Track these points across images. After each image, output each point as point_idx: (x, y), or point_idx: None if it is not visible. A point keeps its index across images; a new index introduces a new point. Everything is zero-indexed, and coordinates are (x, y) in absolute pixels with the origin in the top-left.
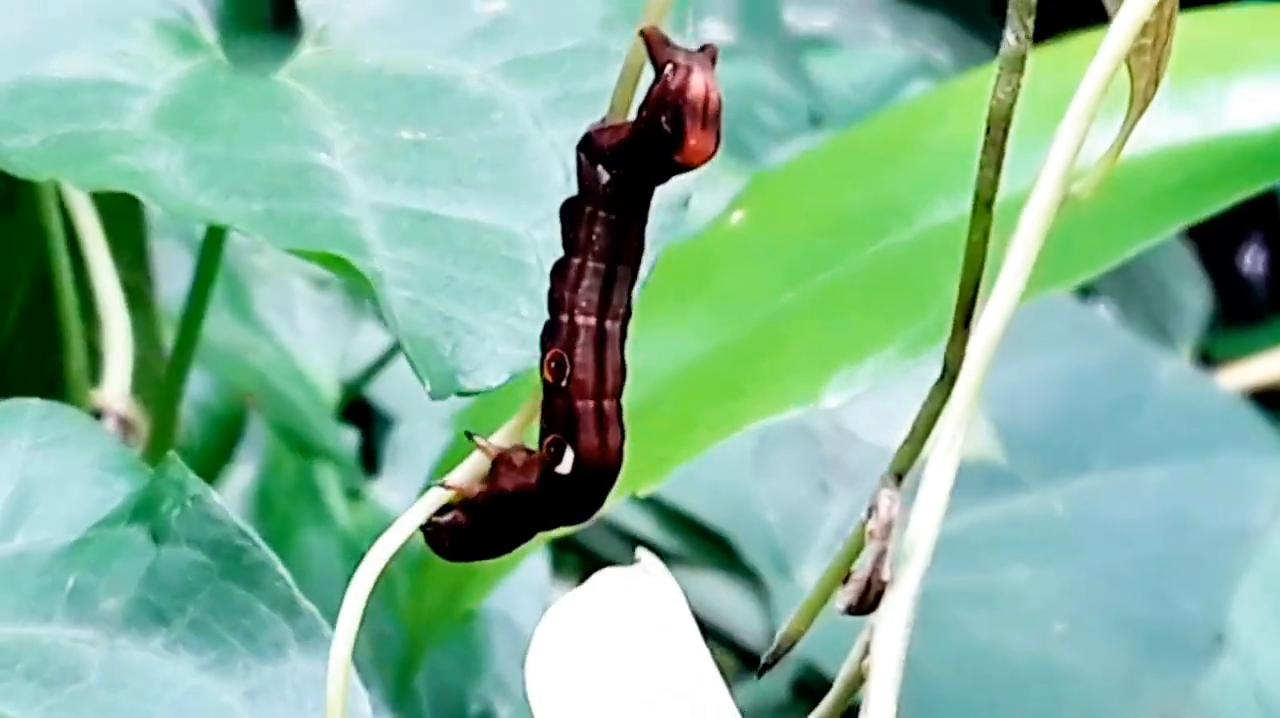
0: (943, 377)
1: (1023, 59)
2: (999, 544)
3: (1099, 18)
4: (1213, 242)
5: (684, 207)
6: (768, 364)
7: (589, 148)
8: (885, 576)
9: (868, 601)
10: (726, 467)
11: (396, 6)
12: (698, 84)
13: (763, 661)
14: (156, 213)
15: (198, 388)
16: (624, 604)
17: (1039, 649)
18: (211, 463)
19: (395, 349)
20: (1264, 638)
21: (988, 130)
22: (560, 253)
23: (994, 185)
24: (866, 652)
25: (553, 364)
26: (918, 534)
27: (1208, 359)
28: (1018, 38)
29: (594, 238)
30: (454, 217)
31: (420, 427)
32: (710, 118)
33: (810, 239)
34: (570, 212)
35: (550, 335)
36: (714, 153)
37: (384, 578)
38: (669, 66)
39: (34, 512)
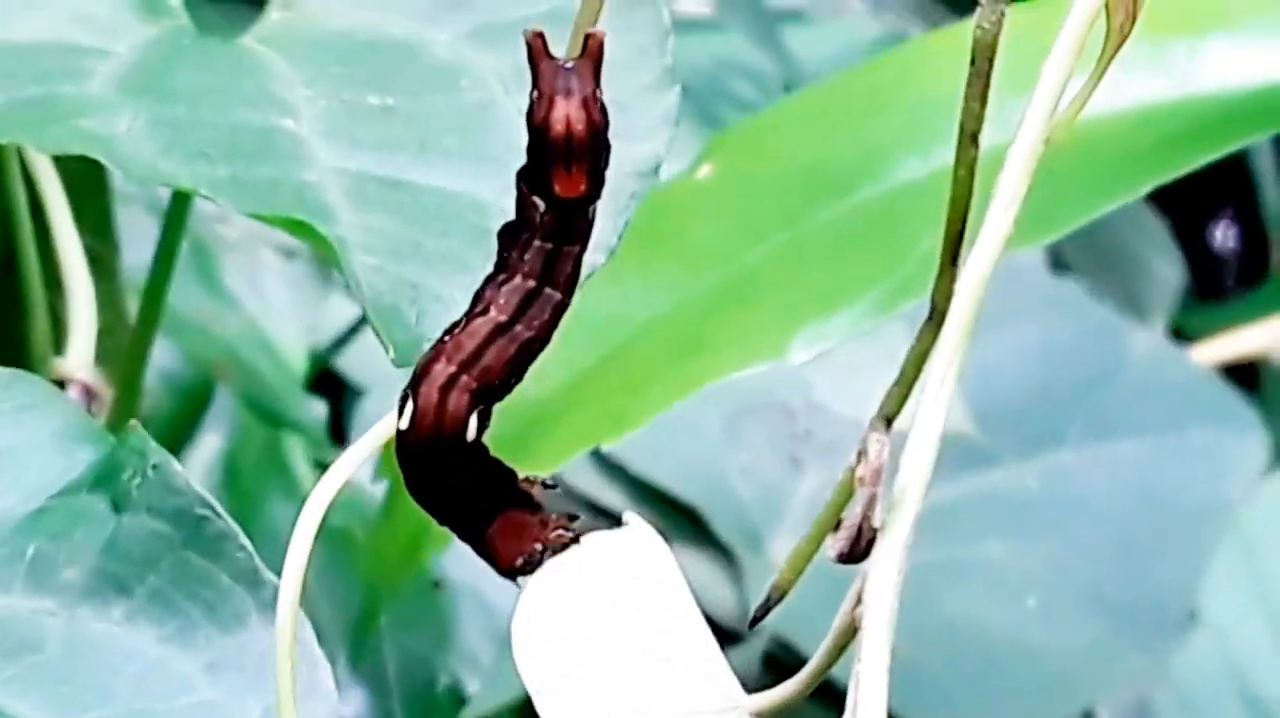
0: (930, 316)
1: None
2: (972, 519)
3: None
4: (1184, 217)
5: (654, 173)
6: (734, 319)
7: (524, 174)
8: (876, 522)
9: (859, 548)
10: (698, 440)
11: None
12: (558, 120)
13: (752, 613)
14: (122, 180)
15: (164, 358)
16: (611, 563)
17: (1012, 624)
18: (178, 433)
19: (364, 319)
20: (1237, 613)
21: (972, 62)
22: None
23: (979, 118)
24: (858, 601)
25: (443, 339)
26: (909, 479)
27: (1179, 334)
28: None
29: (525, 260)
30: (421, 183)
31: (389, 398)
32: (577, 154)
33: (778, 194)
34: (507, 234)
35: (455, 322)
36: (586, 192)
37: (358, 559)
38: (533, 93)
39: None
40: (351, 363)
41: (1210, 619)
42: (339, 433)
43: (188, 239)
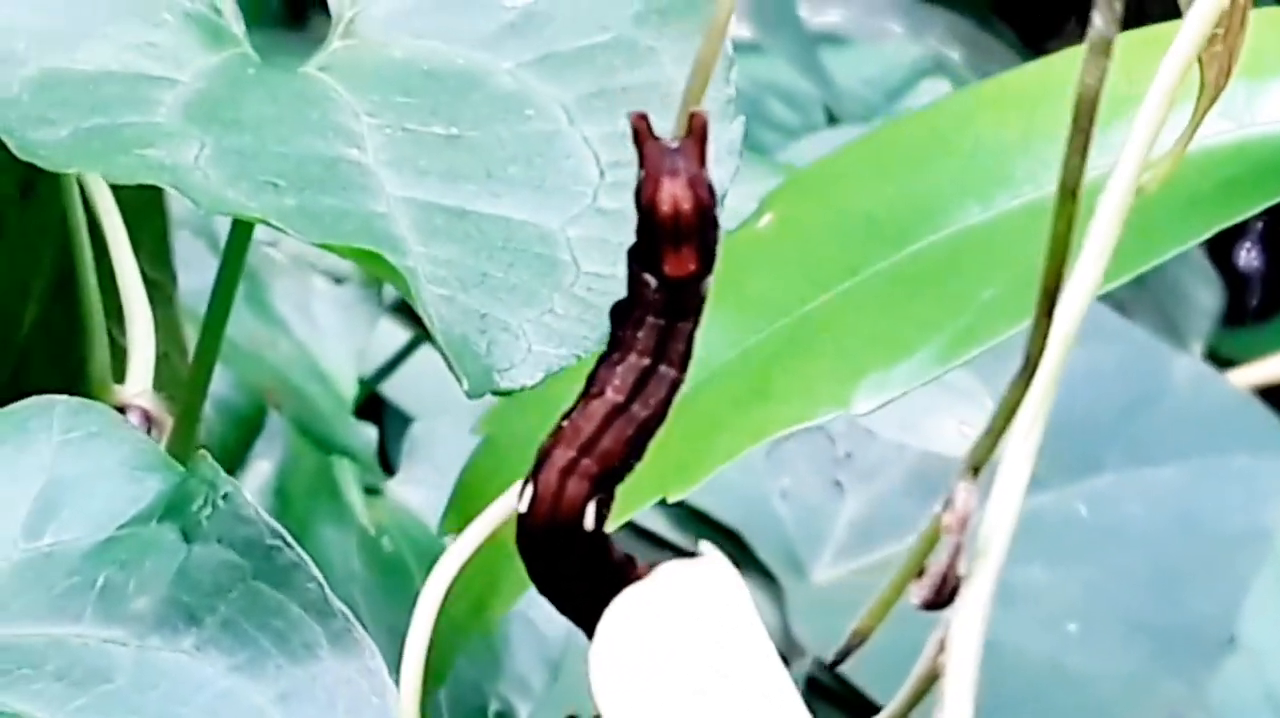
0: (1024, 368)
1: (1110, 43)
2: (1013, 544)
3: (1157, 15)
4: (1210, 237)
5: (720, 203)
6: (796, 369)
7: (634, 252)
8: (961, 570)
9: (943, 595)
10: (740, 464)
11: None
12: (665, 200)
13: (831, 658)
14: (173, 206)
15: (216, 384)
16: (687, 596)
17: (1051, 649)
18: (230, 459)
19: (412, 346)
20: (1275, 637)
21: (1075, 117)
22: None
23: (1080, 171)
24: (941, 648)
25: (561, 423)
26: (993, 528)
27: (1213, 357)
28: (1105, 21)
29: (639, 338)
30: (487, 213)
31: (437, 423)
32: (685, 233)
33: (839, 243)
34: (619, 312)
35: (573, 405)
36: (696, 270)
37: (409, 584)
38: (642, 174)
39: (63, 510)
40: (396, 388)
41: (1248, 645)
42: (383, 456)
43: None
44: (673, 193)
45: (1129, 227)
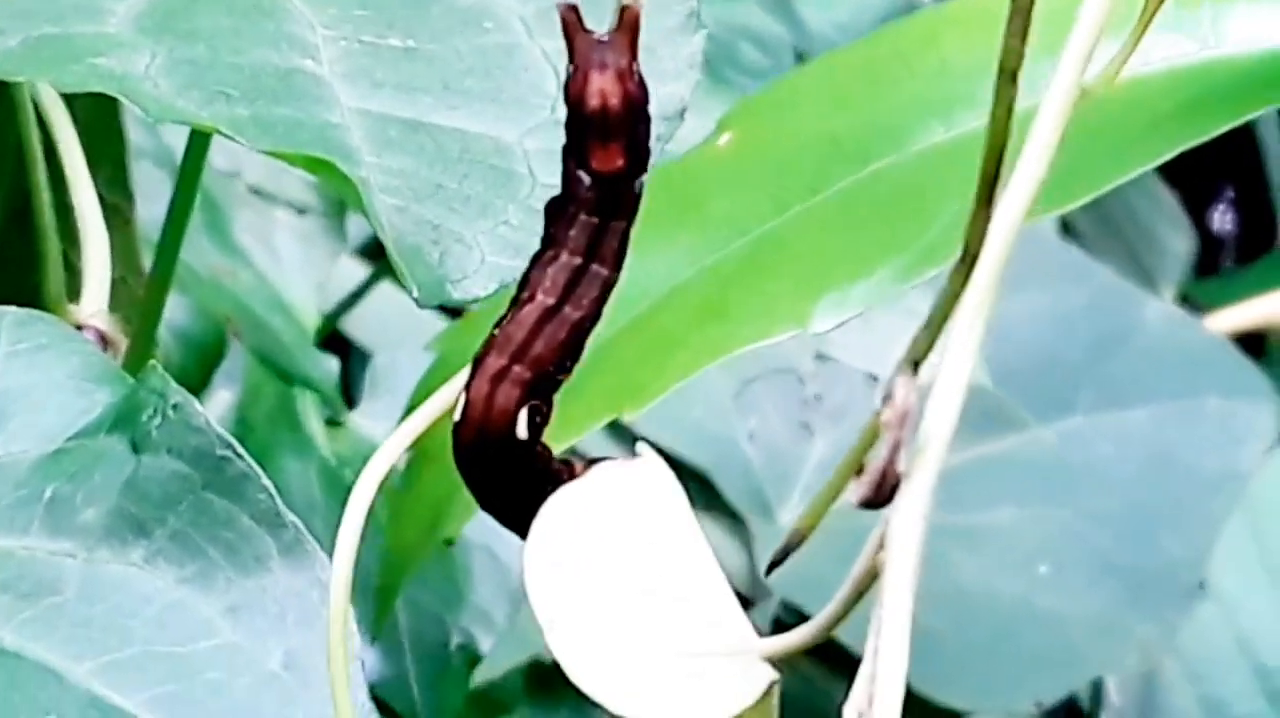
0: (962, 259)
1: None
2: (983, 485)
3: None
4: (1186, 196)
5: (680, 117)
6: (755, 288)
7: (568, 149)
8: (901, 467)
9: (883, 493)
10: (708, 406)
11: None
12: (593, 94)
13: (770, 559)
14: (134, 134)
15: (177, 314)
16: (622, 496)
17: (1023, 591)
18: (190, 388)
19: (372, 280)
20: (1246, 583)
21: None
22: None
23: (1019, 55)
24: (880, 547)
25: (494, 331)
26: (934, 424)
27: (1186, 303)
28: None
29: (570, 236)
30: (443, 124)
31: (398, 356)
32: (613, 128)
33: (799, 162)
34: (553, 209)
35: (505, 311)
36: (624, 166)
37: (371, 515)
38: (569, 67)
39: (11, 422)
40: (359, 325)
41: (1219, 589)
42: (347, 392)
43: (200, 194)
44: (600, 86)
45: (1089, 145)
